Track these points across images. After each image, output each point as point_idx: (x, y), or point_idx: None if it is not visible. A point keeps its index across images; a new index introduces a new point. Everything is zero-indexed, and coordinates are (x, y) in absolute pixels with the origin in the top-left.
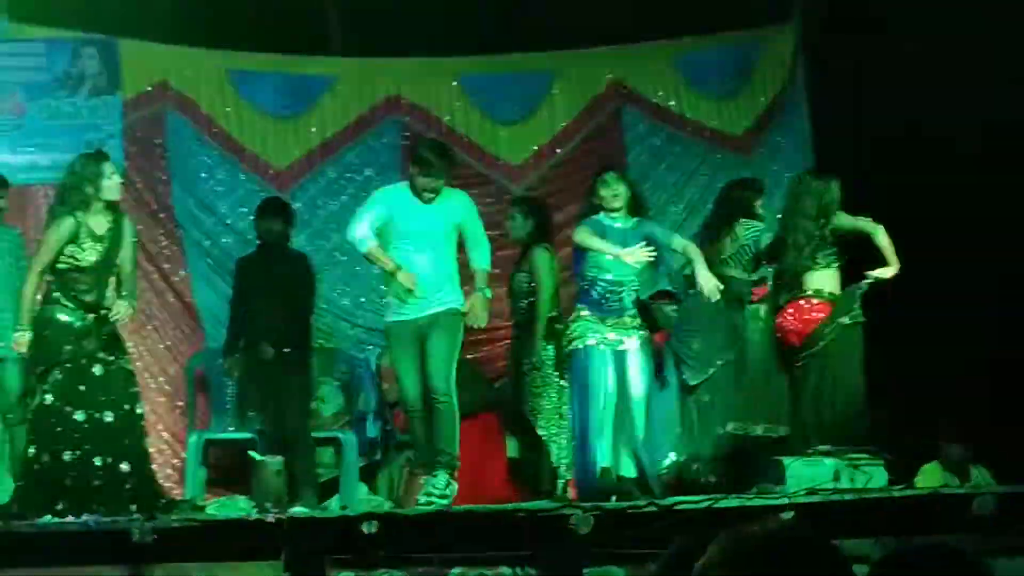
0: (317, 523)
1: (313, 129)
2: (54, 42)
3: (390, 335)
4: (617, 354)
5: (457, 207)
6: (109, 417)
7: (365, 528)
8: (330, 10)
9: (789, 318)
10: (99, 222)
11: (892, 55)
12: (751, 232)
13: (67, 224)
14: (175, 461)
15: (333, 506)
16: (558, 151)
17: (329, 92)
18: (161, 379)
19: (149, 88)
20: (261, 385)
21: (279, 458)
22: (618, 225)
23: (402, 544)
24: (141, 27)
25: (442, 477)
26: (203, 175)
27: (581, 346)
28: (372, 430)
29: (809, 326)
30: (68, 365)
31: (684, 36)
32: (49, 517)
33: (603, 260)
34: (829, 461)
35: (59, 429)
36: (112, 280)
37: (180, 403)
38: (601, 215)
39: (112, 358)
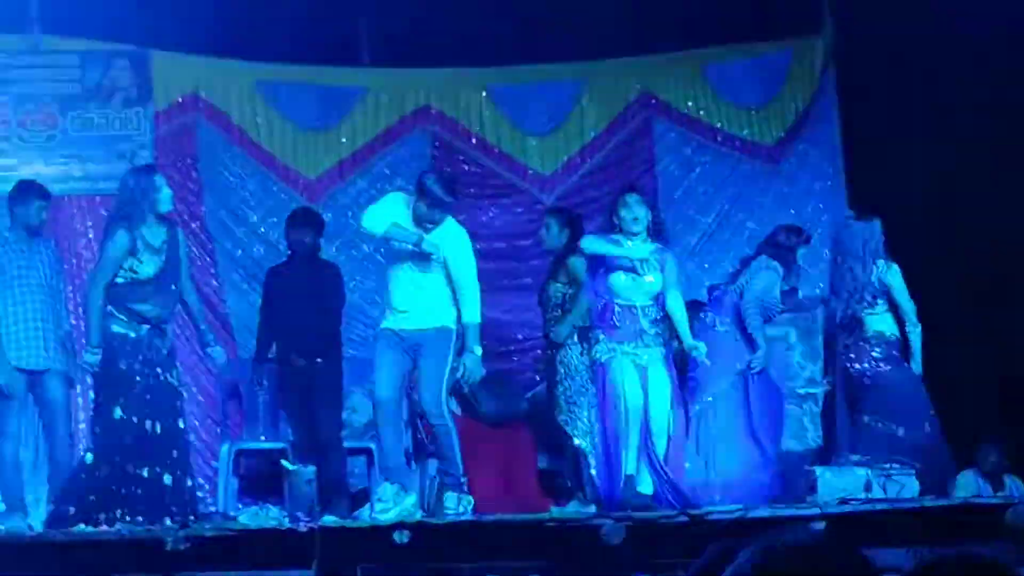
0: (349, 532)
1: (344, 140)
2: (87, 54)
3: (379, 339)
4: (639, 368)
5: (451, 246)
6: (157, 429)
7: (397, 537)
8: (360, 21)
9: (856, 363)
10: (154, 234)
11: (922, 64)
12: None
13: (123, 237)
14: (207, 471)
15: (365, 515)
16: (588, 161)
17: (359, 103)
18: (194, 389)
19: (180, 99)
20: (292, 395)
21: (311, 467)
22: (626, 254)
23: (433, 553)
24: (172, 39)
25: (451, 498)
26: (234, 186)
27: (603, 359)
28: (404, 439)
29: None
30: (132, 378)
31: (714, 47)
32: (83, 525)
33: (618, 283)
34: (861, 471)
35: (125, 441)
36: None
37: (212, 413)
38: (619, 236)
39: (163, 371)
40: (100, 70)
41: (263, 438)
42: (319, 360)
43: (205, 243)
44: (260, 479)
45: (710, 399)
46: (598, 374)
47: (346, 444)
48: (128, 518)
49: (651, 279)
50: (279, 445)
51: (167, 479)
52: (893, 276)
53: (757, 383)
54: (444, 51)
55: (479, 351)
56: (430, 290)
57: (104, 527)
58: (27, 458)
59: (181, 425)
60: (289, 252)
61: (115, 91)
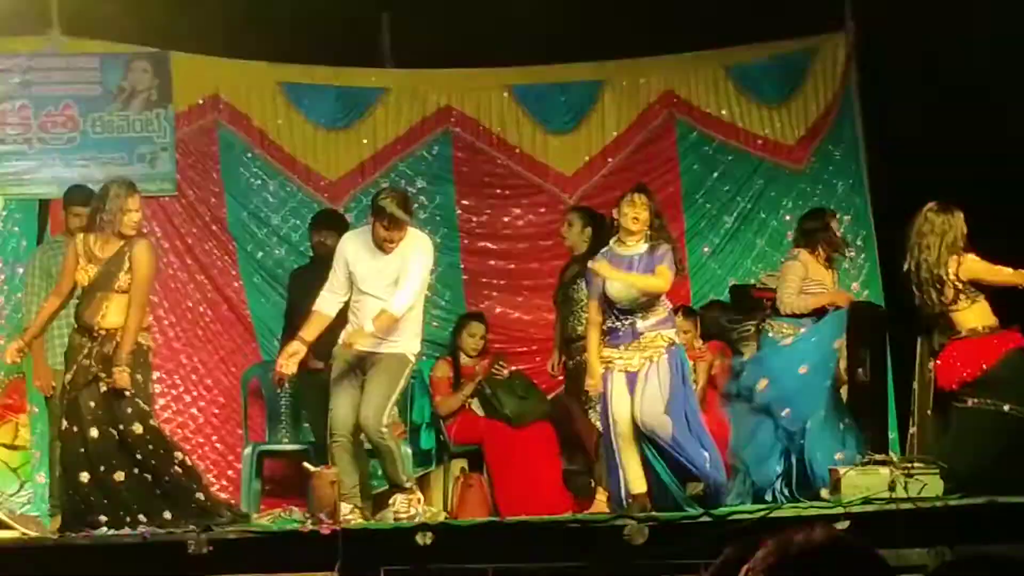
0: (372, 534)
1: (365, 141)
2: (107, 56)
3: (335, 358)
4: (630, 376)
5: (410, 247)
6: (138, 429)
7: (419, 539)
8: (381, 21)
9: (953, 363)
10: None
11: (945, 61)
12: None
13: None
14: (230, 472)
15: (388, 517)
16: (610, 160)
17: (380, 103)
18: (215, 391)
19: (200, 101)
20: (312, 397)
21: (334, 469)
22: (623, 252)
23: (456, 555)
24: (192, 40)
25: (401, 501)
26: (255, 187)
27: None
28: (427, 441)
29: (976, 368)
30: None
31: (736, 45)
32: (105, 529)
33: (611, 289)
34: (884, 470)
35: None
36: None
37: (234, 415)
38: (612, 242)
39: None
40: (120, 72)
41: (285, 440)
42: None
43: (227, 245)
44: (283, 481)
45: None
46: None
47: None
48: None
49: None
50: (302, 447)
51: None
52: (972, 267)
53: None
54: (465, 51)
55: (370, 327)
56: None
57: (127, 530)
58: None
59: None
60: (312, 254)
61: (135, 93)
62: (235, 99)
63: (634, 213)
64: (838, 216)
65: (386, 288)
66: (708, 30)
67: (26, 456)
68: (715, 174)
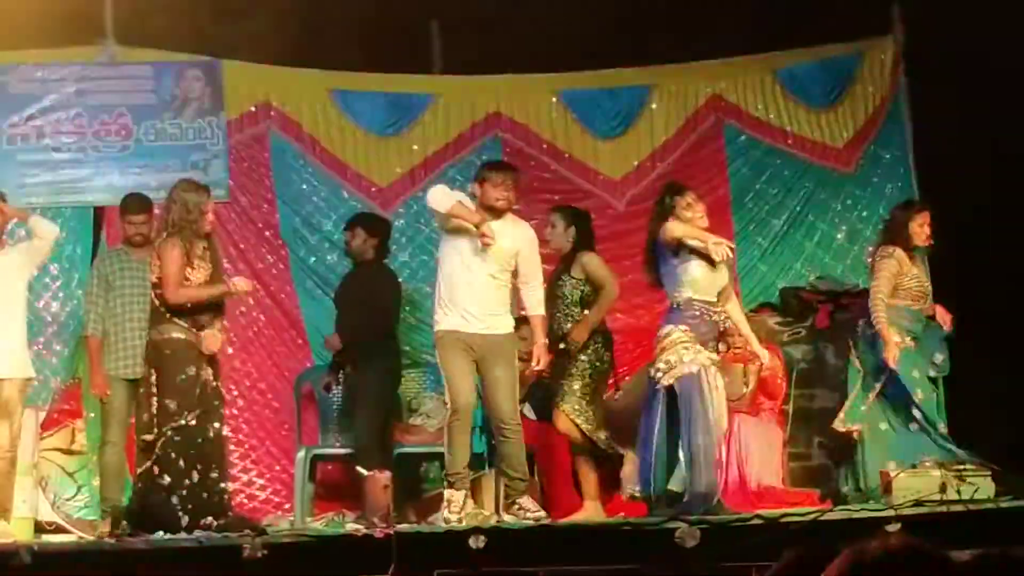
0: (425, 538)
1: (415, 147)
2: (160, 65)
3: (440, 344)
4: (707, 370)
5: (520, 236)
6: (210, 432)
7: (473, 542)
8: (431, 28)
9: None
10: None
11: (993, 62)
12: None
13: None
14: (284, 476)
15: (440, 521)
16: (658, 165)
17: (430, 110)
18: (269, 395)
19: (252, 108)
20: (350, 401)
21: (387, 473)
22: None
23: (509, 558)
24: (244, 48)
25: (527, 500)
26: (307, 193)
27: (687, 372)
28: (478, 445)
29: None
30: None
31: (784, 49)
32: (161, 533)
33: (698, 279)
34: (936, 472)
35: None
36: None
37: (288, 419)
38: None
39: (213, 376)
40: (173, 81)
41: (338, 444)
42: (370, 365)
43: (279, 250)
44: (337, 484)
45: None
46: (683, 390)
47: (420, 449)
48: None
49: (722, 273)
50: (354, 451)
51: (229, 486)
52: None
53: None
54: (514, 57)
55: (545, 340)
56: (492, 292)
57: (182, 534)
58: None
59: (225, 431)
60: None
61: (188, 101)
62: (286, 106)
63: (697, 212)
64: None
65: (474, 257)
66: (755, 34)
67: (83, 461)
68: (763, 177)
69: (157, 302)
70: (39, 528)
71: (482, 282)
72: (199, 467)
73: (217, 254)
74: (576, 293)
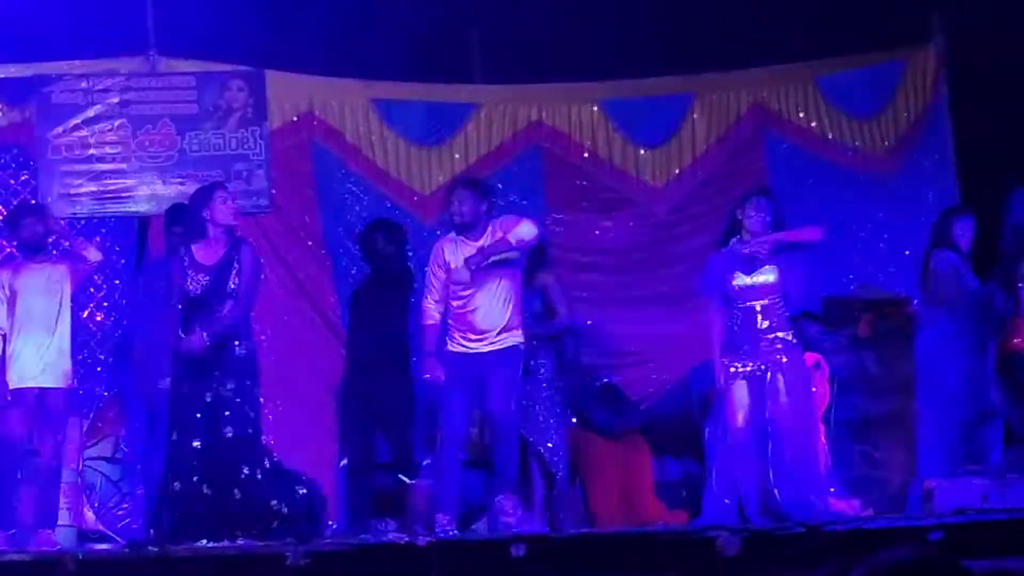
0: (466, 546)
1: (456, 156)
2: (203, 75)
3: (448, 366)
4: (757, 379)
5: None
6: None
7: (514, 551)
8: (472, 38)
9: None
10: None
11: None
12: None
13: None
14: (325, 485)
15: (482, 529)
16: (699, 173)
17: (472, 119)
18: (310, 404)
19: (295, 118)
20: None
21: (429, 481)
22: (747, 251)
23: (550, 566)
24: (286, 58)
25: (508, 501)
26: (349, 203)
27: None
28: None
29: None
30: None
31: (825, 58)
32: (204, 541)
33: (732, 289)
34: (977, 481)
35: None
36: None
37: (329, 428)
38: (733, 242)
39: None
40: (216, 91)
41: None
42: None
43: (322, 260)
44: (379, 493)
45: None
46: (718, 402)
47: (465, 458)
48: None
49: (768, 275)
50: (397, 460)
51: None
52: None
53: None
54: (555, 66)
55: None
56: (498, 305)
57: (226, 542)
58: None
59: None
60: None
61: (231, 111)
62: (328, 116)
63: (763, 217)
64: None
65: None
66: (796, 42)
67: (126, 469)
68: (805, 186)
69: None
70: (83, 536)
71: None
72: (242, 476)
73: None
74: (537, 304)
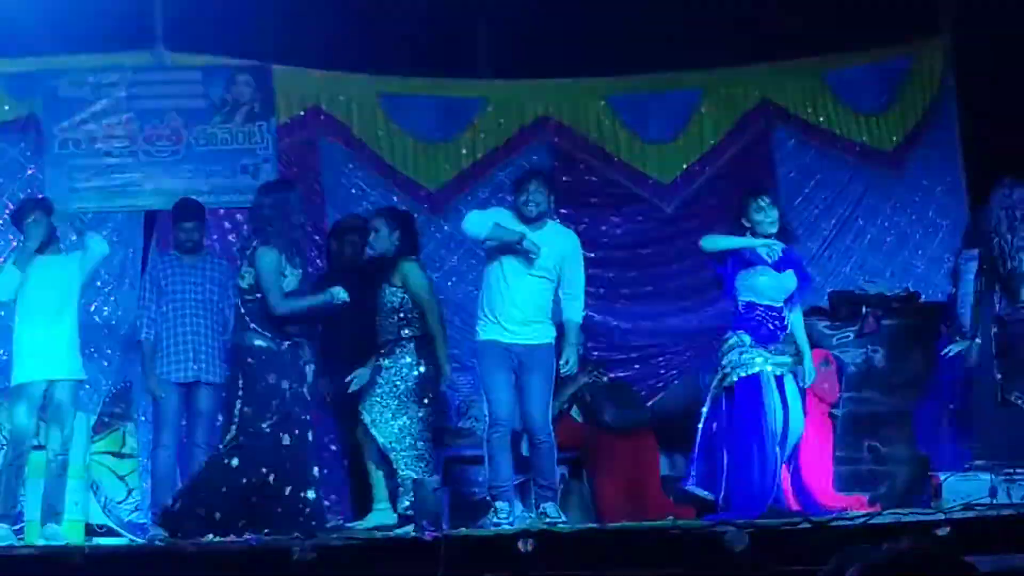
0: (473, 541)
1: (464, 151)
2: (210, 69)
3: (482, 354)
4: (778, 380)
5: (563, 243)
6: (287, 440)
7: (521, 546)
8: (479, 33)
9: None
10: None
11: None
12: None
13: (272, 254)
14: (333, 480)
15: (489, 524)
16: (708, 169)
17: (479, 114)
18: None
19: (302, 113)
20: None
21: (437, 476)
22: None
23: (557, 562)
24: (294, 53)
25: (552, 508)
26: (356, 198)
27: (745, 374)
28: (527, 448)
29: None
30: (278, 392)
31: (832, 53)
32: (211, 536)
33: (759, 283)
34: (985, 476)
35: (270, 453)
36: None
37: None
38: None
39: (298, 386)
40: (223, 85)
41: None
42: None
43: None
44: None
45: None
46: (740, 394)
47: (469, 452)
48: (256, 529)
49: (790, 279)
50: None
51: (310, 495)
52: None
53: None
54: (563, 61)
55: (578, 345)
56: (533, 301)
57: (232, 536)
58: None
59: (311, 438)
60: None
61: (238, 106)
62: (336, 111)
63: (769, 218)
64: None
65: (518, 266)
66: (804, 38)
67: (133, 464)
68: (813, 181)
69: (242, 309)
70: (90, 531)
71: (523, 292)
72: (275, 475)
73: (304, 259)
74: (396, 300)
